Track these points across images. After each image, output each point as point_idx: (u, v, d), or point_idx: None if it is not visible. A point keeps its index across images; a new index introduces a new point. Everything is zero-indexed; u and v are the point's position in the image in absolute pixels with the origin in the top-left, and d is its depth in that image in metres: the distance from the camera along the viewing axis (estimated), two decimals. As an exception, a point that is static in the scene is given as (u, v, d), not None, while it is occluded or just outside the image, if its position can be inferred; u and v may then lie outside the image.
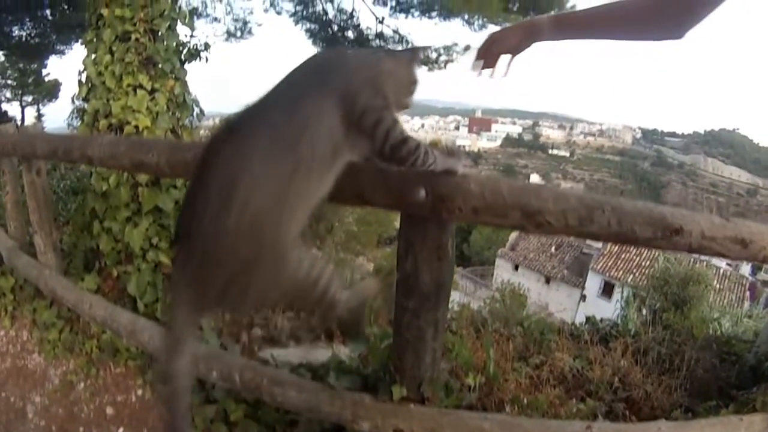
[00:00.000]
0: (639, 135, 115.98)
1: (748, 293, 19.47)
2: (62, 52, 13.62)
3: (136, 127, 3.27)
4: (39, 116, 25.65)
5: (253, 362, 2.19)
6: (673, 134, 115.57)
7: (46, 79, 24.66)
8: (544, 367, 2.82)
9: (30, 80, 24.33)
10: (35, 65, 22.11)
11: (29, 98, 25.30)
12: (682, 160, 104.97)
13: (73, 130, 3.92)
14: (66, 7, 10.83)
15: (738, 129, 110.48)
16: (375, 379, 1.84)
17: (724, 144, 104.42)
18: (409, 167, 1.21)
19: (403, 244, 1.49)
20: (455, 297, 7.21)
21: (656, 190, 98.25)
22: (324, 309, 1.29)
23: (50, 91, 25.08)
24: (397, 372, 1.69)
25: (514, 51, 1.37)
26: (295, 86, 1.16)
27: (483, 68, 1.39)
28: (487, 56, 1.37)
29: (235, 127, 1.10)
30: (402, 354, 1.66)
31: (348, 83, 1.16)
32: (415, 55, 1.30)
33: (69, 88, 3.66)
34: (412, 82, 1.27)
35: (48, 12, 11.92)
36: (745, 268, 22.79)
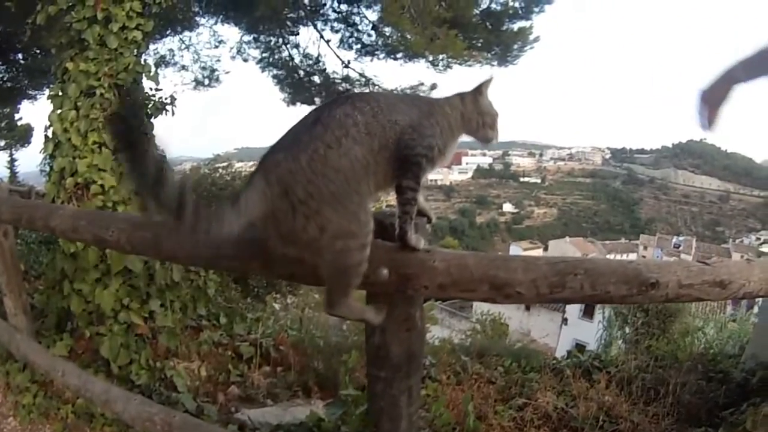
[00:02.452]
0: (608, 155, 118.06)
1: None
2: (34, 97, 13.52)
3: (102, 186, 3.24)
4: (12, 161, 25.26)
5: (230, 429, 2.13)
6: (641, 151, 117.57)
7: (19, 123, 24.32)
8: (527, 408, 2.78)
9: (2, 124, 24.00)
10: (7, 110, 21.87)
11: (1, 143, 24.94)
12: (653, 175, 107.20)
13: (45, 176, 3.87)
14: (38, 51, 10.80)
15: (705, 139, 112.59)
16: (353, 445, 1.80)
17: (694, 155, 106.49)
18: (400, 208, 1.29)
19: (370, 318, 1.46)
20: (435, 332, 7.18)
21: (629, 207, 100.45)
22: (343, 286, 1.29)
23: (23, 135, 24.65)
24: (374, 438, 1.65)
25: (725, 101, 1.57)
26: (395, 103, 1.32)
27: (710, 124, 1.61)
28: (711, 113, 1.59)
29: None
30: (378, 421, 1.62)
31: (424, 118, 1.31)
32: (480, 90, 1.44)
33: (41, 133, 3.63)
34: (484, 114, 1.42)
35: (20, 56, 11.86)
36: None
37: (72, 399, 2.94)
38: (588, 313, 20.73)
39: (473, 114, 1.40)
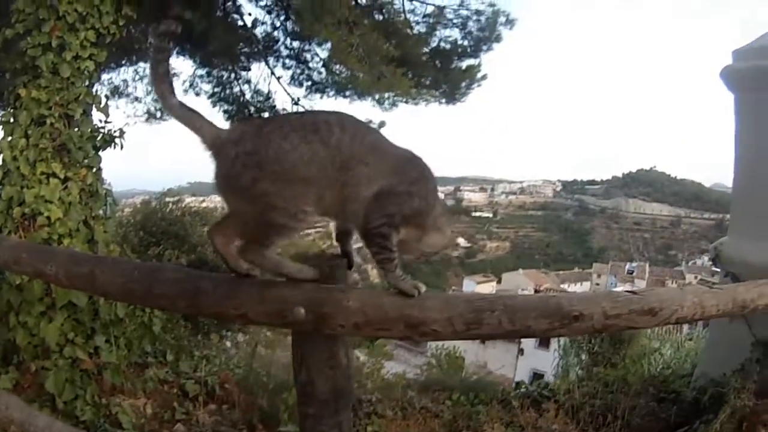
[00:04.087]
0: (559, 188, 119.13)
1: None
2: (-9, 120, 13.22)
3: (48, 218, 3.19)
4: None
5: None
6: (592, 182, 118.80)
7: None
8: (474, 441, 2.81)
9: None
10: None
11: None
12: (604, 205, 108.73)
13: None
14: (-1, 72, 10.61)
15: (655, 167, 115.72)
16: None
17: (644, 183, 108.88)
18: (373, 254, 1.35)
19: (295, 357, 1.49)
20: (390, 367, 7.16)
21: (581, 237, 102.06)
22: (260, 235, 1.34)
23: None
24: (309, 475, 1.65)
25: None
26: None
27: None
28: None
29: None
30: (312, 458, 1.63)
31: (414, 173, 1.41)
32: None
33: None
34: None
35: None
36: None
37: (16, 433, 2.87)
38: (544, 343, 20.90)
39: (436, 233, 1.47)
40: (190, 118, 1.38)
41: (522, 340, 22.80)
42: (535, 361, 19.72)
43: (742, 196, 4.08)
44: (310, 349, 1.45)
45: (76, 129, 3.43)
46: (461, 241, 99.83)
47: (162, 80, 1.41)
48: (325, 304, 1.31)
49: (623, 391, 3.39)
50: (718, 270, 4.17)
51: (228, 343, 5.87)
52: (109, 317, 3.32)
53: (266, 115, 7.65)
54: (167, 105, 1.42)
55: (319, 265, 1.41)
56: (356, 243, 1.51)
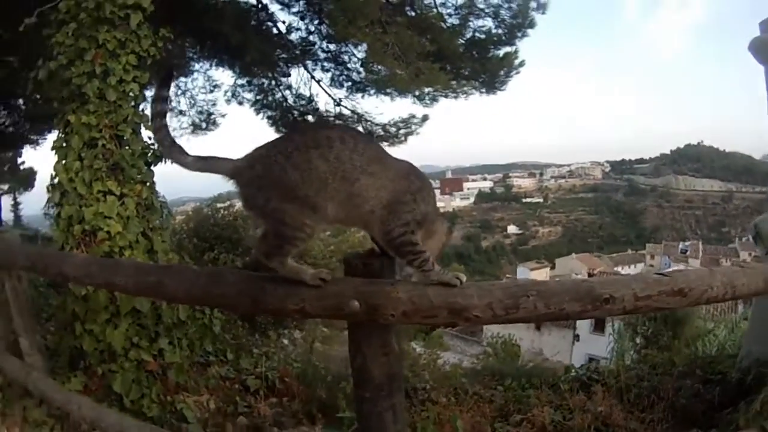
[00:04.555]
0: (608, 168, 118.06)
1: (741, 296, 19.39)
2: (36, 142, 13.75)
3: (108, 233, 3.41)
4: (16, 204, 25.56)
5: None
6: (641, 161, 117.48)
7: (21, 167, 24.69)
8: (524, 424, 2.89)
9: (5, 168, 24.36)
10: (10, 154, 22.20)
11: (5, 186, 25.26)
12: (654, 183, 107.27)
13: (49, 218, 4.04)
14: (38, 98, 11.00)
15: (702, 141, 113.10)
16: (348, 462, 1.94)
17: (692, 159, 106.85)
18: (408, 264, 1.51)
19: (352, 345, 1.63)
20: (447, 357, 7.23)
21: (633, 218, 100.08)
22: (276, 246, 1.51)
23: (25, 180, 25.01)
24: (366, 455, 1.79)
25: None
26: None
27: None
28: None
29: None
30: (367, 438, 1.77)
31: (417, 181, 1.56)
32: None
33: (44, 177, 3.82)
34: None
35: (21, 101, 12.12)
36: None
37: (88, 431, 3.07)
38: (599, 327, 20.64)
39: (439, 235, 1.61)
40: (208, 165, 1.60)
41: (577, 325, 22.67)
42: (590, 346, 19.44)
43: None
44: (365, 337, 1.60)
45: (127, 148, 3.63)
46: (513, 228, 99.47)
47: (171, 150, 1.68)
48: (376, 297, 1.45)
49: (670, 373, 3.40)
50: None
51: (285, 341, 6.04)
52: (171, 320, 3.53)
53: (310, 118, 7.77)
54: (185, 164, 1.64)
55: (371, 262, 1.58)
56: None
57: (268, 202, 1.48)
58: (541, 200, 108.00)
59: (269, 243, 1.52)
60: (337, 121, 7.74)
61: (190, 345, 3.68)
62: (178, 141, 3.94)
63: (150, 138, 3.79)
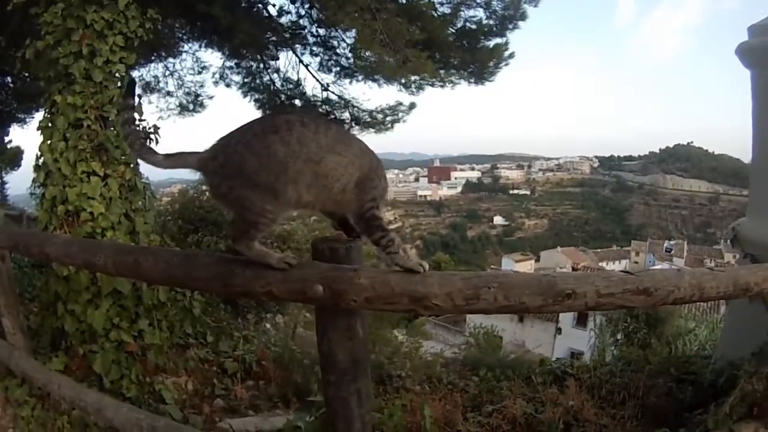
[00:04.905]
0: (596, 164, 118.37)
1: (723, 298, 19.58)
2: (23, 121, 13.58)
3: (91, 213, 3.43)
4: (2, 184, 25.30)
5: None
6: (630, 158, 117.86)
7: (8, 146, 24.39)
8: (495, 414, 2.93)
9: (-8, 147, 24.07)
10: (-4, 132, 21.93)
11: (-9, 165, 24.96)
12: (642, 181, 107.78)
13: (35, 198, 4.04)
14: (27, 76, 10.89)
15: (692, 142, 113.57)
16: (317, 444, 1.99)
17: (681, 159, 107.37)
18: (375, 242, 1.53)
19: (318, 329, 1.68)
20: (428, 346, 7.29)
21: (620, 214, 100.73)
22: (242, 231, 1.56)
23: (12, 159, 24.66)
24: (333, 437, 1.84)
25: None
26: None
27: None
28: None
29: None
30: (334, 421, 1.81)
31: (375, 158, 1.61)
32: None
33: (31, 156, 3.81)
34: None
35: (9, 80, 11.98)
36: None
37: (68, 410, 3.11)
38: (581, 322, 20.89)
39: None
40: (177, 161, 1.67)
41: (560, 319, 22.87)
42: (572, 340, 19.70)
43: (760, 176, 3.99)
44: (331, 322, 1.64)
45: (112, 129, 3.64)
46: (499, 219, 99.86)
47: (141, 150, 1.77)
48: (340, 282, 1.49)
49: (643, 370, 3.43)
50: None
51: (268, 325, 6.09)
52: (151, 302, 3.56)
53: (297, 102, 7.75)
54: (156, 163, 1.71)
55: (337, 247, 1.60)
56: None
57: (231, 190, 1.52)
58: (529, 192, 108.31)
59: (236, 228, 1.57)
60: (324, 106, 7.74)
61: (169, 327, 3.72)
62: (165, 122, 3.99)
63: (135, 119, 3.78)
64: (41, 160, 3.70)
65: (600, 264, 43.36)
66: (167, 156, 1.68)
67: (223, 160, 1.53)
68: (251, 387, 3.48)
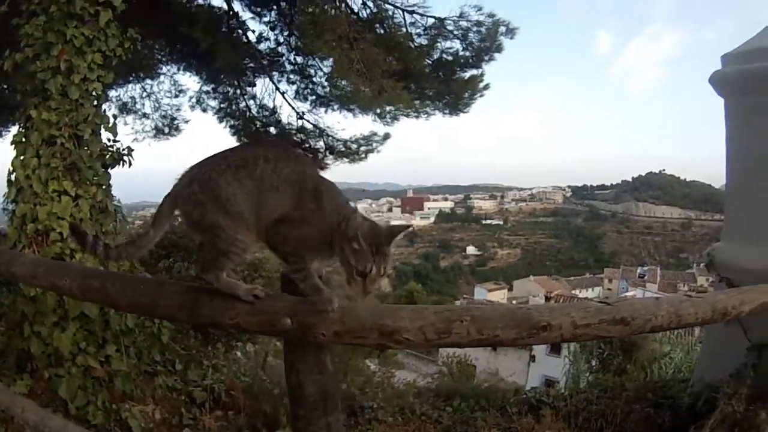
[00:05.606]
0: (569, 193, 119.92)
1: (698, 319, 19.88)
2: (-1, 134, 13.37)
3: (61, 234, 3.34)
4: (-26, 197, 24.76)
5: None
6: (602, 187, 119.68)
7: (-18, 159, 23.98)
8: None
9: (-36, 162, 23.65)
10: (-29, 145, 21.56)
11: (-37, 181, 24.45)
12: (614, 209, 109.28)
13: (8, 213, 3.95)
14: (5, 87, 10.71)
15: (664, 170, 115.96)
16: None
17: (653, 187, 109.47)
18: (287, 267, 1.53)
19: (287, 361, 1.63)
20: (402, 376, 7.23)
21: (592, 242, 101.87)
22: (212, 260, 1.55)
23: (-14, 172, 24.32)
24: (303, 473, 1.78)
25: None
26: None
27: None
28: None
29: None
30: (304, 458, 1.75)
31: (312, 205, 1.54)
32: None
33: (4, 170, 3.72)
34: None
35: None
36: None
37: (31, 436, 3.01)
38: (555, 349, 20.92)
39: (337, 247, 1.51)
40: (159, 217, 1.69)
41: (533, 347, 22.87)
42: (547, 367, 19.65)
43: (735, 201, 4.07)
44: (300, 355, 1.59)
45: (85, 148, 3.57)
46: (472, 249, 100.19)
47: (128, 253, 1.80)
48: (308, 315, 1.45)
49: (620, 397, 3.42)
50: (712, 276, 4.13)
51: (238, 353, 5.98)
52: (119, 327, 3.47)
53: (272, 129, 7.74)
54: (152, 242, 1.75)
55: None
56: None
57: (204, 216, 1.51)
58: (501, 222, 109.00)
59: (206, 256, 1.55)
60: (299, 135, 7.73)
61: (137, 353, 3.62)
62: (140, 144, 3.95)
63: (109, 140, 3.74)
64: (13, 176, 3.62)
65: (573, 291, 43.69)
66: (152, 226, 1.72)
67: (198, 188, 1.53)
68: (220, 417, 3.39)
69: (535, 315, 1.51)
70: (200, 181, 1.54)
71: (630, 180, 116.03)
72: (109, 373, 3.36)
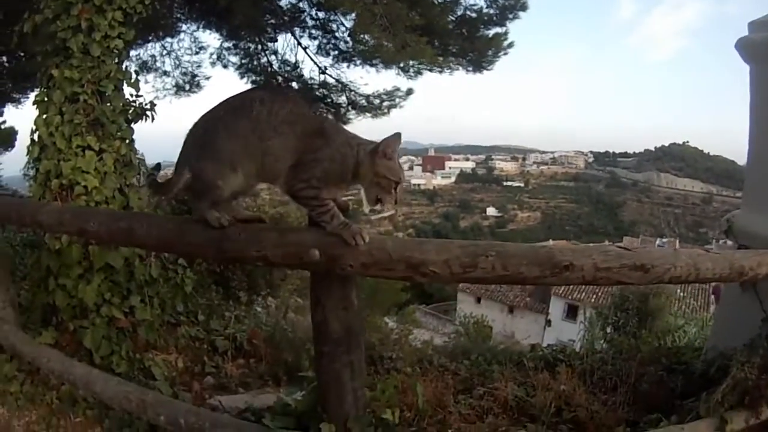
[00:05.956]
0: (591, 159, 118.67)
1: (713, 297, 19.89)
2: (18, 101, 13.46)
3: (86, 187, 3.39)
4: (-5, 164, 25.18)
5: (196, 408, 2.31)
6: (625, 154, 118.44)
7: (2, 126, 24.30)
8: (486, 397, 2.92)
9: (-16, 128, 24.02)
10: (-10, 112, 21.84)
11: (-17, 146, 24.90)
12: (636, 178, 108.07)
13: (29, 179, 4.02)
14: (22, 55, 10.78)
15: (688, 142, 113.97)
16: (307, 418, 1.97)
17: (676, 158, 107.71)
18: (310, 211, 1.58)
19: (312, 297, 1.66)
20: (418, 334, 7.31)
21: (612, 210, 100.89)
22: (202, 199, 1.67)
23: (6, 139, 24.59)
24: (324, 411, 1.83)
25: None
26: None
27: None
28: None
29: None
30: (325, 394, 1.81)
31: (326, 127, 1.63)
32: (378, 150, 1.56)
33: (25, 137, 3.77)
34: (379, 175, 1.56)
35: (5, 59, 11.88)
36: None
37: (57, 386, 3.09)
38: (571, 315, 21.11)
39: (368, 171, 1.57)
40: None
41: (549, 312, 23.03)
42: (562, 332, 19.85)
43: (756, 169, 4.01)
44: (325, 290, 1.62)
45: (108, 104, 3.59)
46: (492, 210, 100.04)
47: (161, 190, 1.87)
48: (336, 247, 1.48)
49: (635, 358, 3.44)
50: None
51: (258, 308, 6.08)
52: (143, 278, 3.53)
53: (294, 84, 7.74)
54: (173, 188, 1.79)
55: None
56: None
57: (198, 159, 1.64)
58: (522, 185, 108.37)
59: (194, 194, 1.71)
60: (321, 89, 7.72)
61: (161, 303, 3.69)
62: (161, 102, 3.96)
63: (132, 95, 3.76)
64: (36, 135, 3.65)
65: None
66: (175, 170, 1.76)
67: (201, 132, 1.67)
68: (242, 365, 3.46)
69: (557, 255, 1.53)
70: (204, 126, 1.66)
71: (653, 150, 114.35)
72: (133, 324, 3.44)
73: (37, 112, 3.70)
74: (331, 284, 1.61)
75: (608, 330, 7.57)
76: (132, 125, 3.72)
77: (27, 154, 3.79)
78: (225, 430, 1.99)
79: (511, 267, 1.50)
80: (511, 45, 7.15)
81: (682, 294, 17.02)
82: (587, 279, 1.56)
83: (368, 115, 7.77)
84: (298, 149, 1.57)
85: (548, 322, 23.58)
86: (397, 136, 1.56)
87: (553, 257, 1.52)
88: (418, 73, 7.18)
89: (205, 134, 1.63)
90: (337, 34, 7.72)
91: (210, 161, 1.58)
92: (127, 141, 3.66)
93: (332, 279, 1.60)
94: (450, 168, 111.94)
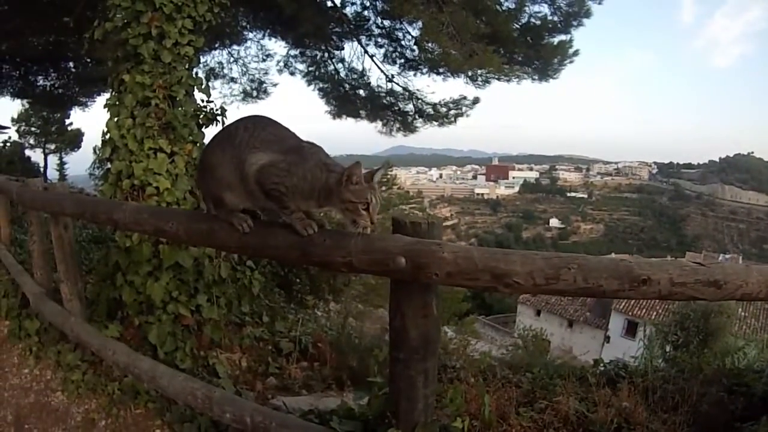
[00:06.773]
0: (655, 170, 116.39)
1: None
2: (85, 104, 14.14)
3: (157, 188, 3.53)
4: (61, 164, 26.54)
5: (263, 407, 2.34)
6: (689, 166, 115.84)
7: (69, 128, 25.70)
8: (548, 411, 2.89)
9: (53, 129, 25.42)
10: (58, 115, 23.08)
11: (52, 146, 26.33)
12: (700, 190, 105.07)
13: (94, 179, 4.19)
14: (88, 61, 11.32)
15: (753, 152, 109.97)
16: (375, 424, 1.99)
17: (741, 169, 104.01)
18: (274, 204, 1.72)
19: (392, 304, 1.67)
20: (478, 345, 7.26)
21: (676, 223, 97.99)
22: (216, 202, 1.90)
23: (73, 140, 26.06)
24: (394, 417, 1.84)
25: None
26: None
27: None
28: None
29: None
30: (397, 401, 1.82)
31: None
32: (345, 176, 1.62)
33: (91, 138, 3.95)
34: (345, 201, 1.62)
35: (71, 65, 12.50)
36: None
37: (119, 377, 3.20)
38: (630, 332, 20.54)
39: (335, 197, 1.63)
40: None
41: (609, 328, 22.47)
42: (621, 349, 19.40)
43: None
44: (406, 297, 1.63)
45: (180, 108, 3.73)
46: (555, 221, 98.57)
47: None
48: (423, 255, 1.49)
49: (696, 378, 3.35)
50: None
51: (319, 312, 6.16)
52: (212, 277, 3.64)
53: (362, 92, 7.88)
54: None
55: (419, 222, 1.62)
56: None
57: (200, 179, 1.98)
58: (586, 196, 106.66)
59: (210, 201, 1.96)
60: (388, 97, 7.74)
61: (227, 303, 3.78)
62: (229, 108, 4.05)
63: (203, 101, 3.88)
64: (107, 136, 3.78)
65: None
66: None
67: (202, 157, 1.95)
68: (305, 368, 3.49)
69: (636, 268, 1.50)
70: (205, 152, 1.92)
71: (717, 161, 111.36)
72: (198, 322, 3.54)
73: (108, 115, 3.84)
74: (412, 291, 1.62)
75: (667, 348, 7.34)
76: (203, 129, 3.83)
77: (95, 154, 3.95)
78: (291, 431, 2.03)
79: (591, 279, 1.48)
80: (576, 53, 7.10)
81: (743, 314, 16.34)
82: (663, 293, 1.54)
83: (435, 123, 7.85)
84: (270, 157, 1.72)
85: (607, 339, 22.99)
86: (357, 164, 1.61)
87: (631, 271, 1.50)
88: (486, 82, 7.18)
89: (203, 159, 1.90)
90: (403, 42, 7.81)
91: (213, 180, 1.84)
92: (198, 144, 3.78)
93: (413, 287, 1.61)
94: (513, 177, 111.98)
